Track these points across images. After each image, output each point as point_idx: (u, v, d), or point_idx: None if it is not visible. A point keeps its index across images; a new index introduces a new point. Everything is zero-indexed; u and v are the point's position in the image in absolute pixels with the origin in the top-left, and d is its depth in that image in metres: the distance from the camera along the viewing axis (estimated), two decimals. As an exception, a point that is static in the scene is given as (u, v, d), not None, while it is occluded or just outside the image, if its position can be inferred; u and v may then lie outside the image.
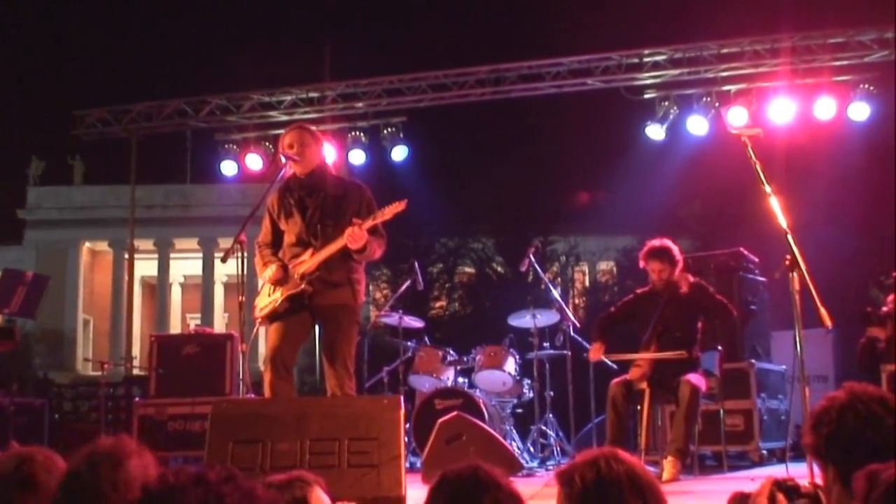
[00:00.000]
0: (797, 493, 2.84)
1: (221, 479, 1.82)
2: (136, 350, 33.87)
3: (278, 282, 6.32)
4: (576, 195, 38.54)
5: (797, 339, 5.07)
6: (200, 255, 48.92)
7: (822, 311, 5.02)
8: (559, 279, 37.24)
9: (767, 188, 5.28)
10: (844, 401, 2.77)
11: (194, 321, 44.46)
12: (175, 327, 47.47)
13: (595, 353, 7.96)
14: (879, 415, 2.70)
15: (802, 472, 4.58)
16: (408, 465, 8.89)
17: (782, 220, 5.21)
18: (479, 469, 2.59)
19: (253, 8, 63.48)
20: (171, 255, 49.75)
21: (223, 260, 6.40)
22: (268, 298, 6.37)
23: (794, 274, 5.04)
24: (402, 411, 4.62)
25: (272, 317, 6.33)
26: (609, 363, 8.25)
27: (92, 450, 2.65)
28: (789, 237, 5.12)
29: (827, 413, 2.78)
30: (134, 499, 2.30)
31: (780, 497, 2.80)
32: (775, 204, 5.24)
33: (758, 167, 5.36)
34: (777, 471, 4.18)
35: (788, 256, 5.10)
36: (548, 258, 35.01)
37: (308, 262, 6.25)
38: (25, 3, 65.60)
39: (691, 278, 7.79)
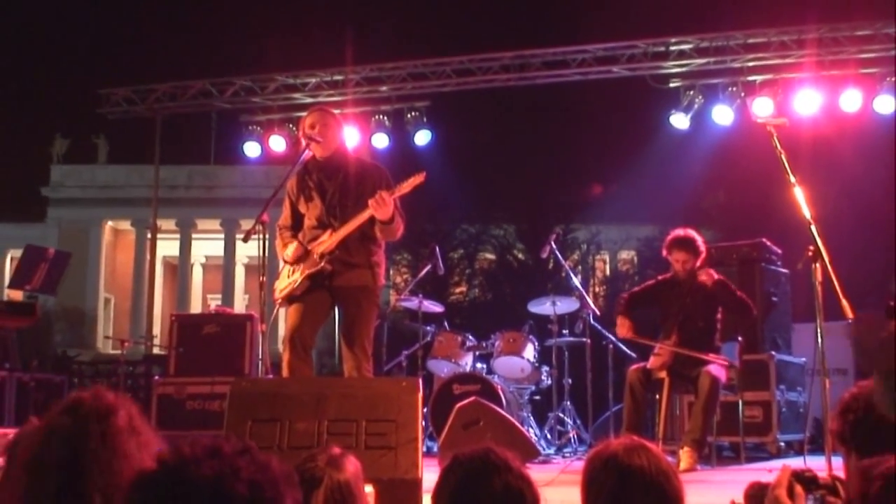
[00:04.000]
0: (815, 485, 2.82)
1: (237, 452, 1.81)
2: (156, 329, 34.01)
3: (299, 259, 6.32)
4: (598, 184, 38.45)
5: (818, 331, 5.05)
6: (222, 236, 49.14)
7: (844, 302, 4.99)
8: (580, 267, 37.22)
9: (792, 178, 5.25)
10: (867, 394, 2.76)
11: (215, 302, 44.67)
12: (196, 307, 47.69)
13: (624, 329, 7.83)
14: None
15: (820, 465, 4.56)
16: (424, 449, 8.94)
17: (806, 211, 5.19)
18: (490, 451, 2.61)
19: (279, -10, 63.40)
20: (193, 236, 49.99)
21: (244, 240, 6.43)
22: (287, 280, 6.38)
23: (817, 265, 5.02)
24: (421, 394, 4.62)
25: (291, 298, 6.33)
26: (637, 342, 8.16)
27: (74, 403, 2.60)
28: (813, 228, 5.09)
29: (856, 400, 2.78)
30: (121, 450, 2.30)
31: (798, 488, 2.79)
32: (800, 194, 5.21)
33: (783, 157, 5.33)
34: (794, 463, 4.18)
35: (811, 247, 5.08)
36: (569, 246, 34.97)
37: (327, 241, 6.26)
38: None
39: (715, 275, 7.75)
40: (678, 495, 2.58)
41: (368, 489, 3.42)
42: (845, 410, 2.80)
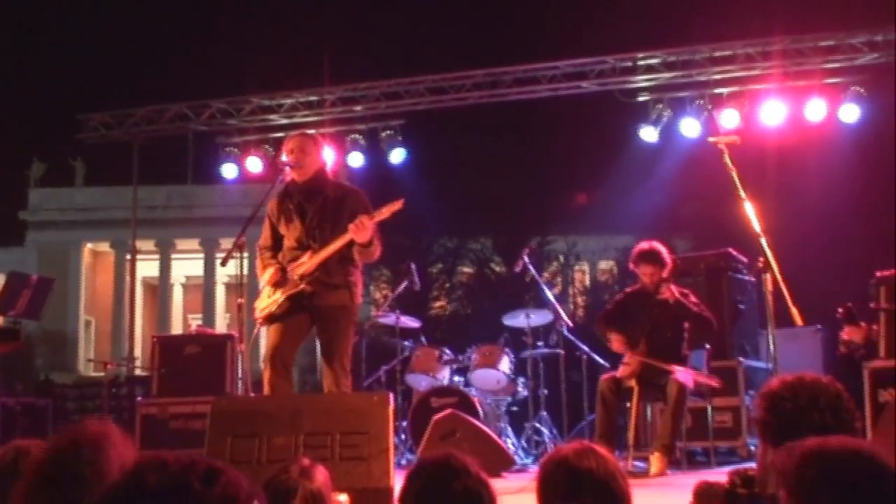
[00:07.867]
0: (753, 482, 3.05)
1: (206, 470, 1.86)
2: (137, 351, 33.98)
3: (277, 284, 6.53)
4: (574, 195, 38.69)
5: (770, 338, 5.29)
6: (202, 255, 49.08)
7: (794, 310, 5.22)
8: (559, 278, 37.44)
9: (742, 193, 5.49)
10: (789, 386, 2.96)
11: (196, 322, 44.58)
12: (176, 328, 47.62)
13: (618, 343, 7.90)
14: (817, 405, 2.89)
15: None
16: (405, 461, 9.13)
17: (756, 225, 5.42)
18: (451, 456, 2.83)
19: (253, 13, 63.52)
20: (173, 256, 49.95)
21: (223, 263, 6.63)
22: (268, 300, 6.57)
23: (767, 275, 5.26)
24: (392, 407, 4.83)
25: (272, 317, 6.53)
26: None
27: (76, 432, 2.75)
28: (763, 240, 5.33)
29: (770, 397, 2.98)
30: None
31: (739, 484, 3.02)
32: (750, 209, 5.45)
33: (734, 174, 5.57)
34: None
35: (762, 259, 5.31)
36: (546, 257, 35.20)
37: (307, 263, 6.46)
38: (30, 6, 65.69)
39: (676, 291, 7.94)
40: (625, 494, 2.80)
41: (343, 498, 3.63)
42: (762, 405, 2.99)
